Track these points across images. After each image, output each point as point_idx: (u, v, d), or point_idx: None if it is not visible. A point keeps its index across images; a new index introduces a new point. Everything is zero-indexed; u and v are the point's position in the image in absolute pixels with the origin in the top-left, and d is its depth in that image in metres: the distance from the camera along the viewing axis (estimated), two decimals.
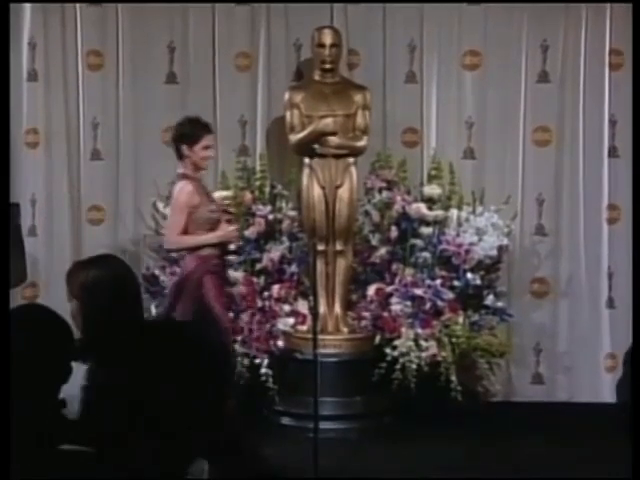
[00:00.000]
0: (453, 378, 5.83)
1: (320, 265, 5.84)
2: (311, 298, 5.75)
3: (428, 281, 6.01)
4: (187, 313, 5.09)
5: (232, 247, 5.59)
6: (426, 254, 6.10)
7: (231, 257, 5.75)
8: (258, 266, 6.11)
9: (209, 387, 2.04)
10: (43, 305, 2.49)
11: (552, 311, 6.69)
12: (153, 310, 6.09)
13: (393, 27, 6.62)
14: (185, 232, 5.25)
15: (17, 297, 6.30)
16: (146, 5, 6.52)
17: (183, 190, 5.34)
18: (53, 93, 6.53)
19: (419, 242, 6.14)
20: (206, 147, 5.36)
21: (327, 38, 6.26)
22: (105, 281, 2.73)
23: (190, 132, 5.36)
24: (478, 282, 6.12)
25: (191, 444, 2.05)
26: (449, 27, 6.64)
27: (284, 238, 6.20)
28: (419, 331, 5.90)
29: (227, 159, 6.54)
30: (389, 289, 6.00)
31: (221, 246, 5.32)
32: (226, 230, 5.33)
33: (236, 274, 6.05)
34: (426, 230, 6.16)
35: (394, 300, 5.97)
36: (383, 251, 6.12)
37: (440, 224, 6.21)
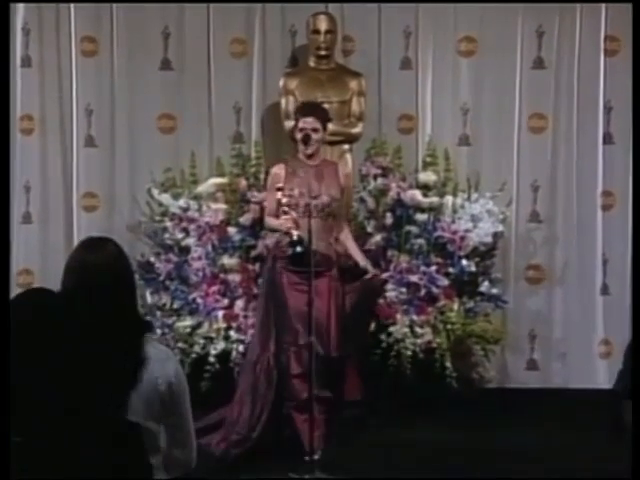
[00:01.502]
0: (448, 364, 5.83)
1: None
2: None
3: (423, 268, 6.01)
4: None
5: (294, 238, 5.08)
6: (421, 241, 6.09)
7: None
8: (253, 253, 6.10)
9: None
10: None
11: (547, 298, 6.71)
12: (148, 297, 6.10)
13: (388, 13, 6.62)
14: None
15: (11, 283, 6.30)
16: None
17: (271, 171, 5.37)
18: (47, 79, 6.52)
19: (414, 229, 6.13)
20: (301, 129, 5.23)
21: (322, 24, 6.25)
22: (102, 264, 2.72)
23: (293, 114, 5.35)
24: (473, 269, 6.12)
25: None
26: (444, 13, 6.63)
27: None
28: (414, 318, 5.90)
29: (222, 146, 6.53)
30: (384, 276, 6.00)
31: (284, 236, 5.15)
32: (283, 220, 5.09)
33: (231, 261, 6.05)
34: (421, 217, 6.16)
35: (389, 287, 5.97)
36: (378, 238, 6.11)
37: (435, 211, 6.20)
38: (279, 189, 5.10)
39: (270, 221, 5.27)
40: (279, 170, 5.28)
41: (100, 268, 2.66)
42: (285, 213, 5.05)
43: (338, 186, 5.29)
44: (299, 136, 5.24)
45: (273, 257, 5.29)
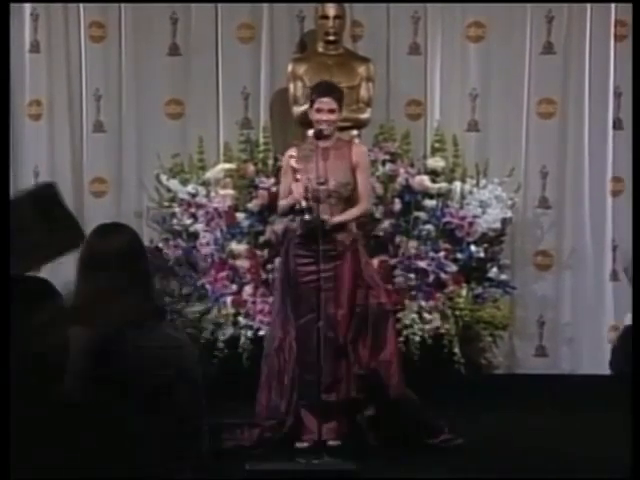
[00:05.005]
0: (456, 350, 5.84)
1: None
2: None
3: (431, 254, 6.01)
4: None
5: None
6: (429, 227, 6.08)
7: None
8: (261, 239, 6.10)
9: None
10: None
11: (555, 283, 6.69)
12: (157, 283, 6.10)
13: None
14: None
15: None
16: None
17: (284, 155, 5.32)
18: (55, 65, 6.52)
19: (422, 215, 6.12)
20: (319, 110, 5.13)
21: (330, 10, 6.23)
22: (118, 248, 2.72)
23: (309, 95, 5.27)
24: (481, 255, 6.11)
25: None
26: None
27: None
28: (422, 304, 5.90)
29: (230, 131, 6.53)
30: (393, 262, 6.00)
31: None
32: (294, 188, 5.03)
33: (239, 247, 6.05)
34: (429, 203, 6.15)
35: (397, 273, 5.97)
36: (386, 224, 6.10)
37: (444, 197, 6.19)
38: (291, 156, 5.08)
39: (282, 203, 5.23)
40: (292, 153, 5.26)
41: (114, 254, 2.66)
42: (297, 181, 5.03)
43: (349, 168, 5.21)
44: (316, 116, 5.15)
45: (288, 241, 5.28)
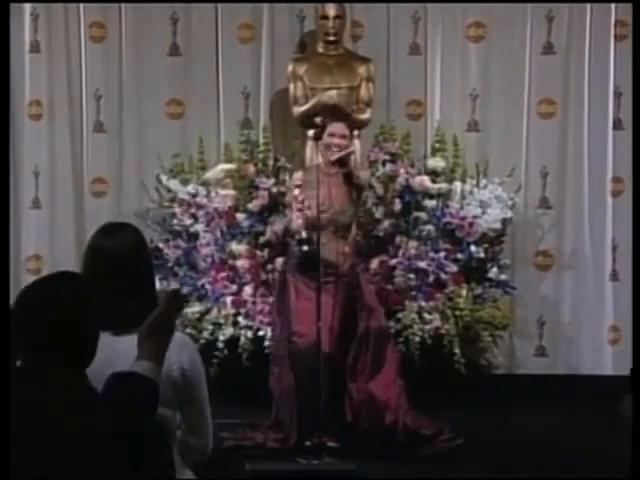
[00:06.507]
0: (456, 350, 5.83)
1: None
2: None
3: (432, 254, 6.01)
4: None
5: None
6: (430, 227, 6.09)
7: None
8: (261, 239, 6.11)
9: None
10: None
11: (555, 284, 6.69)
12: (157, 283, 6.10)
13: None
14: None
15: (21, 269, 6.32)
16: None
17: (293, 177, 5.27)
18: (56, 65, 6.51)
19: (423, 215, 6.13)
20: (331, 134, 5.08)
21: (331, 10, 6.24)
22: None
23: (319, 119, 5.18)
24: (482, 255, 6.11)
25: None
26: None
27: (287, 211, 6.19)
28: (423, 304, 5.90)
29: (230, 131, 6.53)
30: (393, 262, 6.00)
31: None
32: (295, 217, 5.07)
33: (239, 247, 6.05)
34: (430, 203, 6.15)
35: (398, 273, 5.97)
36: (386, 224, 6.10)
37: (444, 197, 6.19)
38: (297, 186, 5.07)
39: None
40: (298, 176, 5.21)
41: (119, 254, 2.66)
42: (299, 211, 5.02)
43: (350, 196, 5.18)
44: (327, 140, 5.09)
45: (285, 261, 5.29)
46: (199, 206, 6.16)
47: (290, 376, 5.08)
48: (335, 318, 5.05)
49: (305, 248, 4.96)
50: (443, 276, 5.97)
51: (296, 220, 5.02)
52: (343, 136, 5.10)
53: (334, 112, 5.23)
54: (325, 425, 4.81)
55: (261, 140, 6.43)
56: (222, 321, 5.88)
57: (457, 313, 5.93)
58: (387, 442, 5.00)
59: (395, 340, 5.51)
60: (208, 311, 5.95)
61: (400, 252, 6.03)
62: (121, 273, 2.64)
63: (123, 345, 2.56)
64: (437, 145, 6.44)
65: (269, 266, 6.02)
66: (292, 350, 5.06)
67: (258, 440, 5.06)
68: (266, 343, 5.70)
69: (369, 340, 5.11)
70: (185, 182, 6.30)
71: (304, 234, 4.96)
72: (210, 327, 5.87)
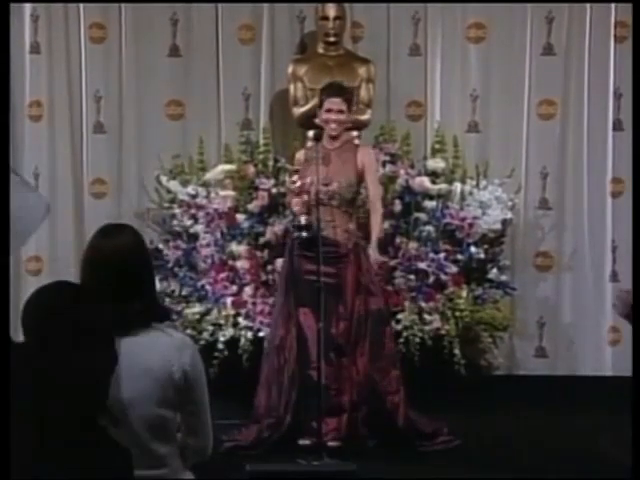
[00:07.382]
0: (457, 351, 5.83)
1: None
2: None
3: (432, 255, 6.01)
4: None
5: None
6: (430, 228, 6.08)
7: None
8: (261, 240, 6.10)
9: None
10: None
11: (556, 284, 6.69)
12: (157, 284, 6.10)
13: None
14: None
15: (21, 270, 6.32)
16: None
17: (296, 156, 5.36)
18: (56, 66, 6.52)
19: (423, 216, 6.12)
20: (328, 110, 5.16)
21: (331, 11, 6.24)
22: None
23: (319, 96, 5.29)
24: (482, 256, 6.11)
25: None
26: None
27: (288, 212, 6.19)
28: (423, 305, 5.90)
29: (230, 132, 6.53)
30: (393, 263, 6.00)
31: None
32: (294, 203, 5.11)
33: (239, 248, 6.05)
34: (430, 204, 6.15)
35: (398, 274, 5.97)
36: (387, 225, 6.10)
37: (444, 198, 6.19)
38: (295, 171, 5.09)
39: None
40: (300, 156, 5.28)
41: (119, 255, 2.66)
42: (298, 195, 5.04)
43: (354, 172, 5.22)
44: (325, 116, 5.17)
45: (292, 241, 5.29)
46: (199, 207, 6.16)
47: (289, 355, 5.10)
48: (342, 295, 5.08)
49: (304, 234, 4.95)
50: (443, 277, 5.97)
51: (295, 205, 5.03)
52: (340, 111, 5.15)
53: (331, 88, 5.28)
54: (323, 408, 4.82)
55: (261, 141, 6.43)
56: (222, 322, 5.88)
57: (457, 314, 5.93)
58: (388, 428, 5.01)
59: (395, 340, 5.51)
60: (208, 312, 5.94)
61: (400, 253, 6.03)
62: (121, 274, 2.64)
63: (124, 346, 2.56)
64: (437, 146, 6.44)
65: (269, 267, 6.02)
66: (298, 326, 5.09)
67: (252, 435, 5.06)
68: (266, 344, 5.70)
69: (367, 322, 5.13)
70: (185, 183, 6.30)
71: (303, 220, 4.96)
72: (210, 328, 5.87)
